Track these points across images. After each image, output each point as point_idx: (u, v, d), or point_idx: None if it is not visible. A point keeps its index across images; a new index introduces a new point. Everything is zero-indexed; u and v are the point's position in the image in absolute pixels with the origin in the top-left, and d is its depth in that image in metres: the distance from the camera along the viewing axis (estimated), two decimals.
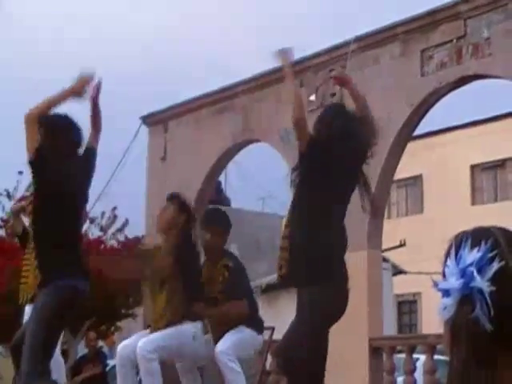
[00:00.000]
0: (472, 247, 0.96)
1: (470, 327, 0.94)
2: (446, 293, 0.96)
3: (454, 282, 0.95)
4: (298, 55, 10.19)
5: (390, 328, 14.86)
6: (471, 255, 0.96)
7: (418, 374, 8.71)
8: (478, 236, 0.99)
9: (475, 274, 0.93)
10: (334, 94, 9.44)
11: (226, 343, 5.33)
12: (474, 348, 0.94)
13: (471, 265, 0.93)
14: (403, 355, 8.73)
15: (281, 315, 13.43)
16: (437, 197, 19.34)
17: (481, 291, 0.93)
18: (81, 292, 4.58)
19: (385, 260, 13.70)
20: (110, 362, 12.46)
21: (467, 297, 0.94)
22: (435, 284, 0.98)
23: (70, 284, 4.51)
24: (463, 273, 0.94)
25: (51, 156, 4.44)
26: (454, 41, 8.89)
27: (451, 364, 0.98)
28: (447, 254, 1.00)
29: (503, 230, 1.02)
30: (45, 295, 4.51)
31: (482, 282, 0.93)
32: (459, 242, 1.00)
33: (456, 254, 0.99)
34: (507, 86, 10.09)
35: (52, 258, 4.55)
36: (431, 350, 8.27)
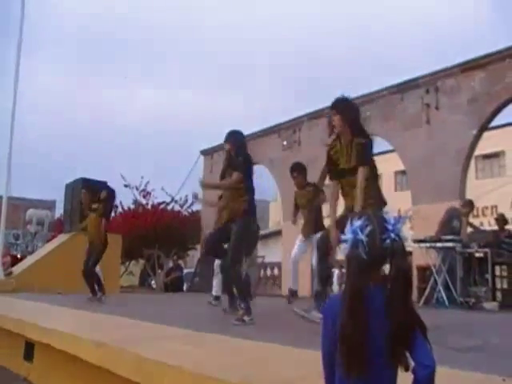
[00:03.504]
0: (358, 219, 1.57)
1: (355, 257, 1.53)
2: (345, 241, 1.56)
3: (349, 236, 1.55)
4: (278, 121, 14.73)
5: None
6: (358, 223, 1.55)
7: (334, 281, 12.25)
8: (361, 214, 1.61)
9: (359, 232, 1.53)
10: (295, 141, 14.68)
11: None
12: (358, 269, 1.53)
13: (357, 227, 1.54)
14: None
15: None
16: None
17: (362, 241, 1.52)
18: None
19: None
20: (185, 271, 17.25)
21: (355, 243, 1.53)
22: (340, 237, 1.60)
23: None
24: (353, 231, 1.54)
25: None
26: None
27: (345, 278, 1.58)
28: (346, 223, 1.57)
29: (374, 212, 1.64)
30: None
31: (362, 236, 1.52)
32: (353, 218, 1.60)
33: (351, 223, 1.58)
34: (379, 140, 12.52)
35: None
36: (341, 267, 12.59)
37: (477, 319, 6.01)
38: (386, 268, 1.57)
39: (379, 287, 1.54)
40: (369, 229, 1.55)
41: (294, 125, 14.95)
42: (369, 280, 1.52)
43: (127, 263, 18.21)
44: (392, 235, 1.54)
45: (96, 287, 8.12)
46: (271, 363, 2.68)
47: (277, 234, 19.64)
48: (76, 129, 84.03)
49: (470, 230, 9.32)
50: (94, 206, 8.30)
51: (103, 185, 10.28)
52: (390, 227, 1.55)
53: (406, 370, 1.48)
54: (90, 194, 8.28)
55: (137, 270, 18.15)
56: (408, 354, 1.49)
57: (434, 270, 8.38)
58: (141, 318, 4.87)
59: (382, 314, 1.49)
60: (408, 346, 1.48)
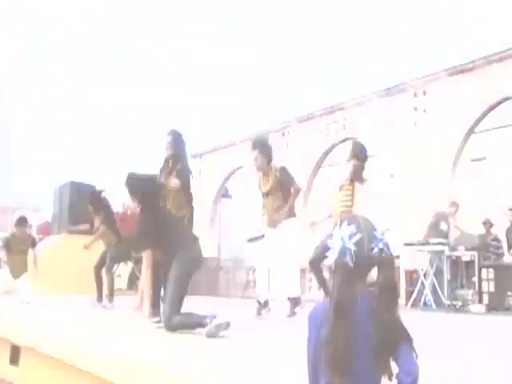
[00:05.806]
0: (347, 225, 1.54)
1: (342, 265, 1.52)
2: (332, 247, 1.54)
3: (337, 243, 1.53)
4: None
5: None
6: (347, 229, 1.53)
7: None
8: (351, 219, 1.57)
9: (347, 239, 1.51)
10: (283, 144, 14.76)
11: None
12: (344, 277, 1.52)
13: (346, 235, 1.52)
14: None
15: None
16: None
17: (349, 249, 1.51)
18: None
19: None
20: None
21: (343, 251, 1.51)
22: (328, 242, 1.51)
23: None
24: (342, 238, 1.52)
25: None
26: (341, 122, 13.64)
27: (332, 285, 1.55)
28: (335, 226, 1.57)
29: (364, 218, 1.59)
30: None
31: (350, 244, 1.50)
32: (342, 221, 1.58)
33: (340, 229, 1.55)
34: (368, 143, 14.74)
35: None
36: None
37: (463, 322, 6.02)
38: (373, 276, 1.57)
39: (365, 296, 1.53)
40: (357, 237, 1.53)
41: (283, 128, 15.23)
42: (355, 288, 1.51)
43: (116, 266, 17.97)
44: (380, 245, 1.54)
45: (105, 292, 7.77)
46: (253, 366, 2.66)
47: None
48: (67, 131, 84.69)
49: (457, 233, 9.34)
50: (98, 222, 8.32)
51: (91, 189, 10.18)
52: (378, 236, 1.55)
53: (390, 379, 1.47)
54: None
55: (125, 273, 17.86)
56: (392, 363, 1.49)
57: (421, 273, 8.40)
58: (128, 321, 4.79)
59: (367, 323, 1.48)
60: (392, 355, 1.48)
